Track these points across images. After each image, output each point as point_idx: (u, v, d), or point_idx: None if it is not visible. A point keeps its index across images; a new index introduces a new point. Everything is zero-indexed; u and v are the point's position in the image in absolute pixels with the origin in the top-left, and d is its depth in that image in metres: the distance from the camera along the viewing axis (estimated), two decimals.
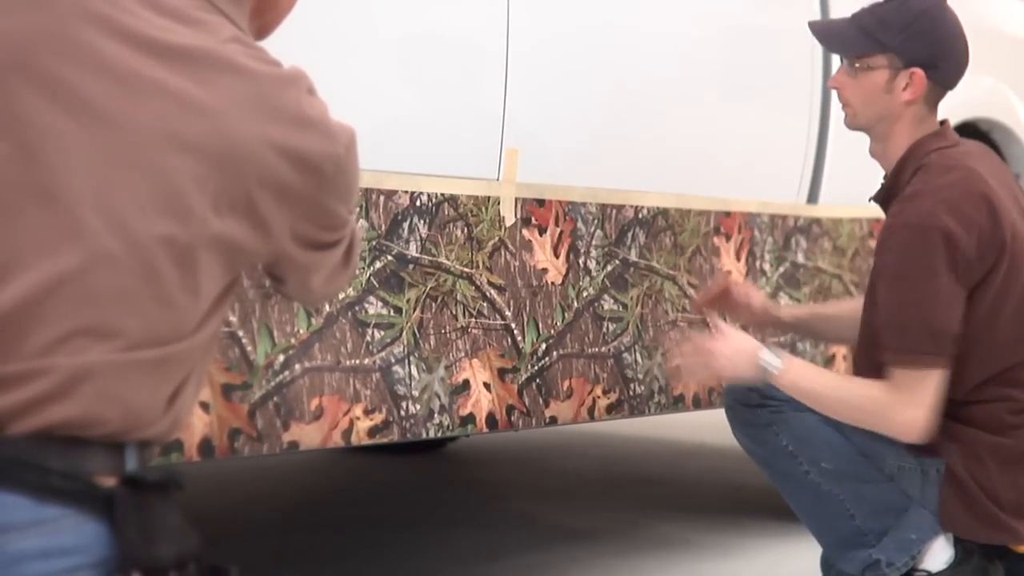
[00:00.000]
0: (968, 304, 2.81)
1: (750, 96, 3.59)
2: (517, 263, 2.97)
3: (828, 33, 3.05)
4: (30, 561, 1.44)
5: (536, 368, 3.00)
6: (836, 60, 3.77)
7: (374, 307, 2.69)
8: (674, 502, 4.49)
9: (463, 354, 2.86)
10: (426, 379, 2.78)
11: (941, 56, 2.88)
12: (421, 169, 2.80)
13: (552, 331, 3.04)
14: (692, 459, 5.37)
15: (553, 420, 3.06)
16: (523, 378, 2.98)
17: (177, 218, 1.52)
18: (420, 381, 2.77)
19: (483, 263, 2.90)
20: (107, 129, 1.51)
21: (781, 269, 3.65)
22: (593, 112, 3.15)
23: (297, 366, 2.55)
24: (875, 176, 3.99)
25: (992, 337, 2.86)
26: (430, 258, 2.79)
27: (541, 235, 3.02)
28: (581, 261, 3.11)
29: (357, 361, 2.66)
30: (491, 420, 2.91)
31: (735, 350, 2.88)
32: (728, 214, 3.51)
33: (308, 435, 2.58)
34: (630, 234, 3.23)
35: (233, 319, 2.45)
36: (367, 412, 2.68)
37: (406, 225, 2.75)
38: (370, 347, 2.68)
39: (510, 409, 2.95)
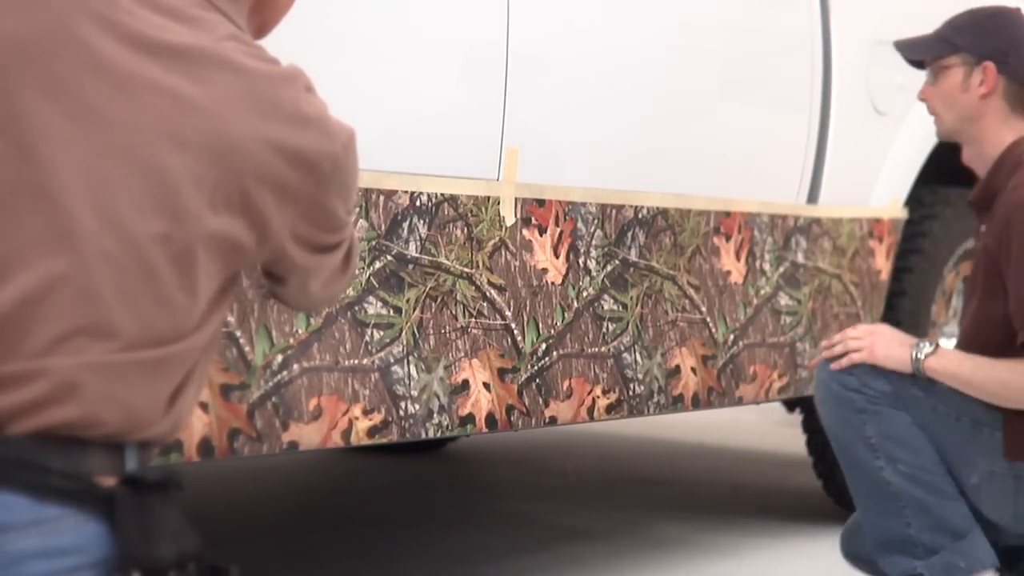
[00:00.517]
0: None
1: (750, 96, 3.59)
2: (517, 263, 2.97)
3: (909, 45, 3.16)
4: (30, 561, 1.43)
5: (536, 368, 3.00)
6: (836, 60, 3.77)
7: (373, 307, 2.69)
8: (674, 502, 4.49)
9: (463, 354, 2.86)
10: (425, 379, 2.78)
11: (1011, 49, 2.98)
12: (421, 169, 2.79)
13: (552, 331, 3.04)
14: (691, 459, 5.37)
15: (553, 420, 3.06)
16: (523, 378, 2.98)
17: (173, 217, 1.52)
18: (419, 381, 2.77)
19: (483, 263, 2.90)
20: (103, 128, 1.51)
21: (781, 269, 3.65)
22: (593, 112, 3.15)
23: (295, 366, 2.55)
24: (875, 176, 4.00)
25: None
26: (430, 258, 2.79)
27: (541, 235, 3.02)
28: (581, 261, 3.11)
29: (356, 361, 2.66)
30: (491, 420, 2.91)
31: (892, 334, 3.00)
32: (728, 214, 3.51)
33: (307, 435, 2.57)
34: (630, 234, 3.23)
35: (231, 319, 2.45)
36: (366, 412, 2.67)
37: (406, 225, 2.75)
38: (369, 347, 2.68)
39: (510, 409, 2.95)
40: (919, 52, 3.11)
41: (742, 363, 3.54)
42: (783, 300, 3.65)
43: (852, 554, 3.13)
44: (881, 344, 2.97)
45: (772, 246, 3.61)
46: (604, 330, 3.16)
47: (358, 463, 5.00)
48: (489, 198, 2.91)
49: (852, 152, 3.86)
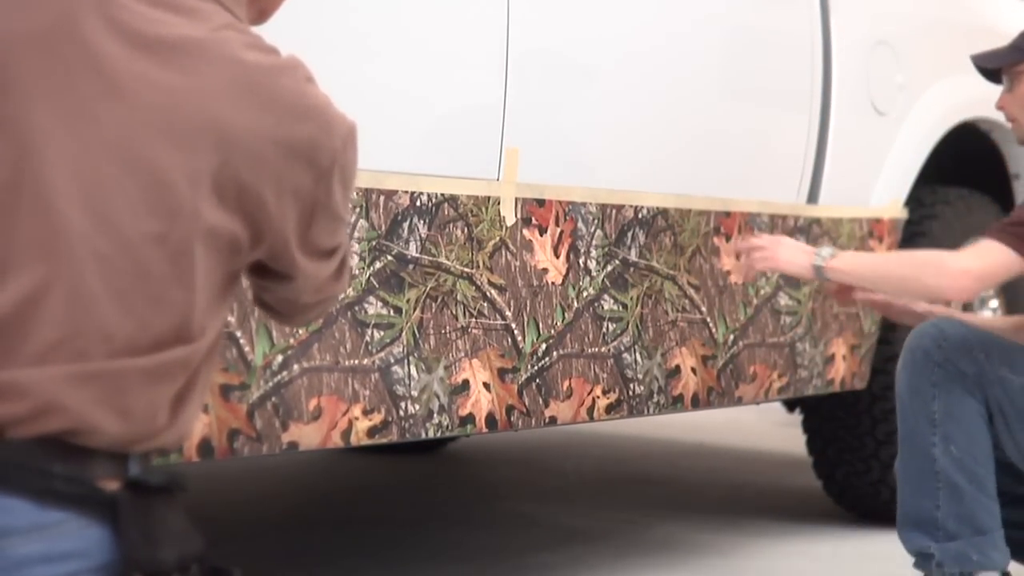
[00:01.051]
0: None
1: (750, 96, 3.59)
2: (517, 263, 2.97)
3: (985, 56, 3.22)
4: (32, 565, 1.42)
5: (536, 368, 3.00)
6: (836, 60, 3.77)
7: (374, 307, 2.69)
8: (674, 502, 4.49)
9: (463, 354, 2.86)
10: (425, 379, 2.78)
11: None
12: (421, 169, 2.79)
13: (552, 331, 3.04)
14: (692, 459, 5.37)
15: (553, 420, 3.06)
16: (523, 378, 2.98)
17: (169, 215, 1.50)
18: (419, 381, 2.77)
19: (483, 263, 2.90)
20: (95, 128, 1.50)
21: None
22: (593, 112, 3.15)
23: (296, 366, 2.55)
24: (875, 176, 4.00)
25: None
26: (430, 258, 2.79)
27: (541, 235, 3.02)
28: (581, 261, 3.11)
29: (356, 361, 2.66)
30: (490, 420, 2.91)
31: (795, 244, 3.12)
32: (728, 214, 3.51)
33: (307, 435, 2.57)
34: (630, 234, 3.23)
35: (231, 319, 2.44)
36: (366, 412, 2.67)
37: (406, 225, 2.75)
38: (369, 347, 2.68)
39: (510, 409, 2.95)
40: (994, 61, 3.18)
41: (742, 363, 3.55)
42: (783, 300, 3.65)
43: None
44: (784, 252, 3.09)
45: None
46: (604, 330, 3.16)
47: (358, 463, 5.00)
48: (489, 198, 2.91)
49: (852, 152, 3.86)
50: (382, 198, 2.70)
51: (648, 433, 5.84)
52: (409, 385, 2.75)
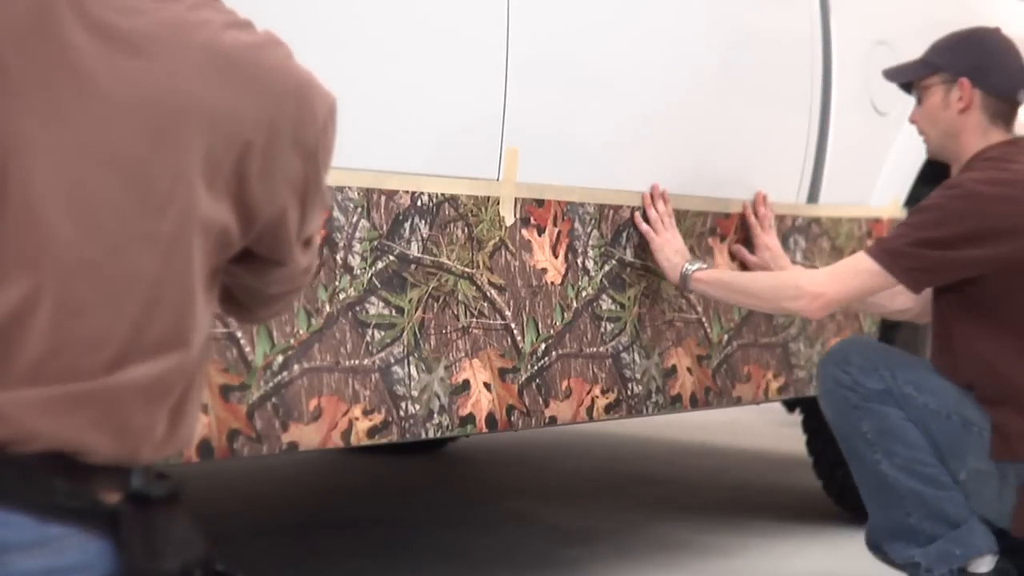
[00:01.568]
0: None
1: (750, 96, 3.59)
2: (517, 263, 2.97)
3: (895, 71, 3.32)
4: None
5: (536, 368, 3.00)
6: (836, 60, 3.77)
7: (375, 307, 2.69)
8: (674, 502, 4.49)
9: (463, 354, 2.86)
10: (426, 379, 2.78)
11: (987, 65, 3.16)
12: (422, 169, 2.80)
13: (551, 331, 3.04)
14: (692, 459, 5.37)
15: (553, 420, 3.06)
16: (523, 378, 2.98)
17: (157, 211, 1.46)
18: (420, 381, 2.77)
19: (484, 263, 2.90)
20: (74, 130, 1.45)
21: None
22: (593, 112, 3.15)
23: (296, 367, 2.55)
24: (875, 176, 4.00)
25: None
26: (432, 258, 2.79)
27: (540, 235, 3.02)
28: (579, 261, 3.11)
29: (356, 361, 2.66)
30: (491, 420, 2.91)
31: (679, 247, 3.23)
32: (727, 215, 3.51)
33: (307, 436, 2.57)
34: (625, 234, 3.23)
35: (231, 319, 2.44)
36: (366, 412, 2.67)
37: (407, 225, 2.75)
38: (370, 347, 2.68)
39: (510, 409, 2.95)
40: (903, 76, 3.28)
41: (736, 363, 3.55)
42: None
43: (874, 545, 3.22)
44: (668, 249, 3.21)
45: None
46: (603, 330, 3.16)
47: (358, 463, 5.00)
48: (489, 198, 2.91)
49: (852, 152, 3.86)
50: (383, 198, 2.70)
51: (648, 433, 5.84)
52: (409, 385, 2.75)
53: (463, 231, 2.86)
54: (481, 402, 2.89)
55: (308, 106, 1.58)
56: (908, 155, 4.01)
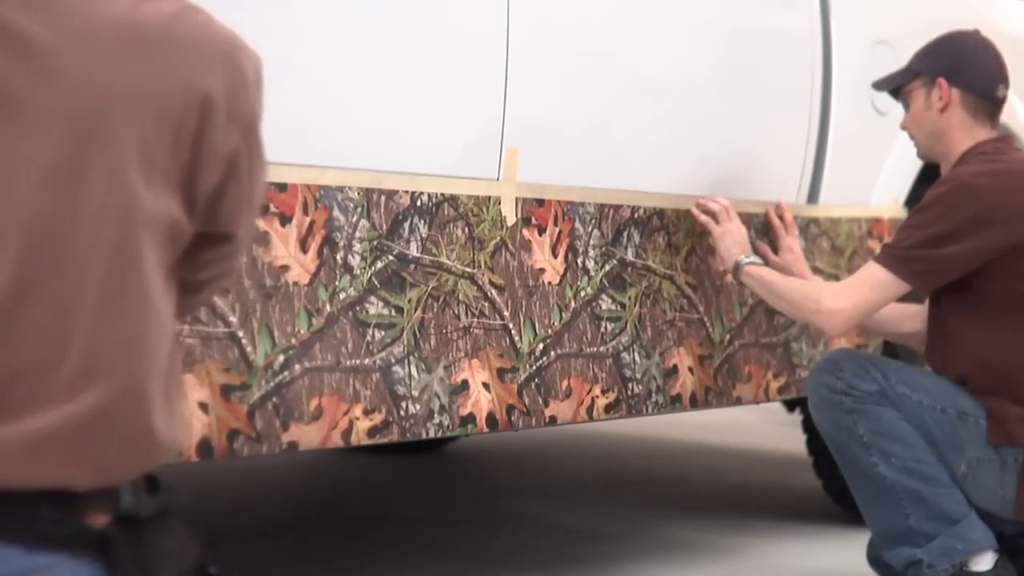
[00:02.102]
0: None
1: (750, 96, 3.59)
2: (516, 263, 2.97)
3: (882, 81, 3.41)
4: None
5: (534, 368, 3.00)
6: (836, 60, 3.77)
7: (375, 307, 2.69)
8: (674, 502, 4.49)
9: (462, 354, 2.86)
10: (426, 379, 2.78)
11: (963, 65, 3.24)
12: (422, 169, 2.80)
13: (549, 331, 3.04)
14: (692, 459, 5.37)
15: (553, 420, 3.06)
16: (522, 378, 2.98)
17: (93, 219, 1.37)
18: (420, 381, 2.77)
19: (484, 263, 2.90)
20: (8, 142, 1.36)
21: None
22: (593, 112, 3.15)
23: (297, 366, 2.55)
24: (875, 176, 3.99)
25: None
26: (431, 258, 2.79)
27: (540, 235, 3.02)
28: (579, 261, 3.11)
29: (357, 361, 2.66)
30: (491, 420, 2.91)
31: (741, 239, 3.35)
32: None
33: (307, 435, 2.57)
34: (626, 234, 3.23)
35: (233, 319, 2.45)
36: (367, 412, 2.67)
37: (407, 225, 2.75)
38: (370, 347, 2.68)
39: (510, 409, 2.95)
40: (888, 84, 3.37)
41: (738, 363, 3.55)
42: None
43: (874, 559, 3.26)
44: (728, 239, 3.33)
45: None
46: (602, 330, 3.16)
47: (358, 463, 5.00)
48: (490, 198, 2.91)
49: (852, 152, 3.86)
50: (383, 198, 2.70)
51: (648, 433, 5.84)
52: (410, 385, 2.75)
53: (463, 231, 2.86)
54: (481, 402, 2.89)
55: (239, 74, 1.49)
56: (908, 155, 4.00)
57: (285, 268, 2.54)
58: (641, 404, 3.27)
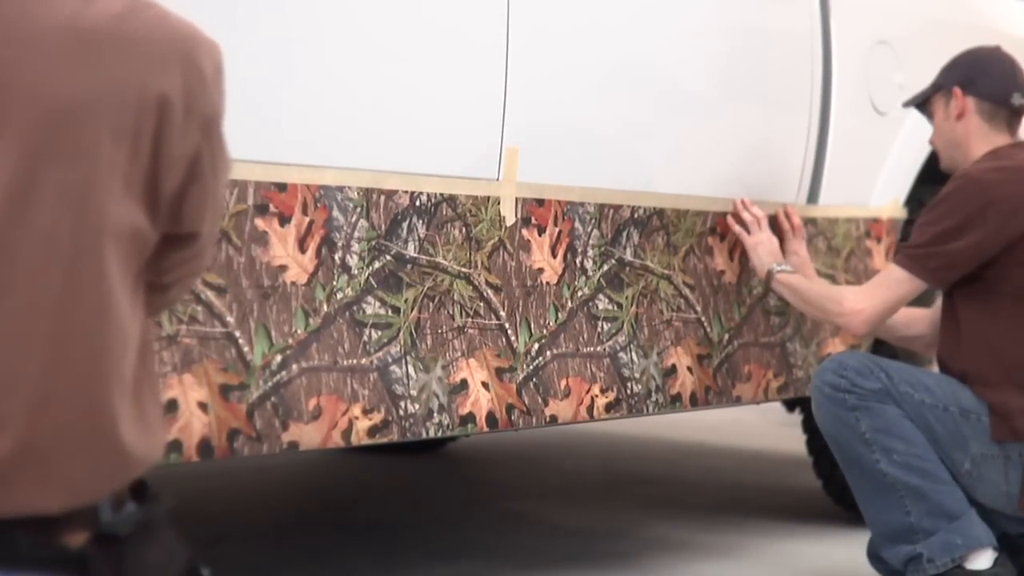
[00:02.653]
0: None
1: (750, 96, 3.59)
2: (514, 263, 2.97)
3: (912, 98, 3.50)
4: None
5: (531, 368, 3.00)
6: (836, 60, 3.77)
7: (372, 307, 2.69)
8: (674, 502, 4.49)
9: (460, 354, 2.86)
10: (424, 379, 2.78)
11: (977, 73, 3.34)
12: (421, 169, 2.80)
13: (544, 331, 3.04)
14: (692, 459, 5.37)
15: (553, 419, 3.06)
16: (520, 377, 2.98)
17: (44, 236, 1.32)
18: (418, 381, 2.77)
19: (482, 263, 2.90)
20: None
21: None
22: (593, 112, 3.15)
23: (294, 366, 2.55)
24: (875, 176, 3.99)
25: None
26: (428, 258, 2.79)
27: (540, 235, 3.02)
28: (578, 261, 3.11)
29: (354, 361, 2.66)
30: (491, 419, 2.91)
31: (773, 248, 3.49)
32: (726, 215, 3.51)
33: (308, 435, 2.57)
34: (625, 233, 3.23)
35: (230, 319, 2.45)
36: (366, 412, 2.67)
37: (406, 225, 2.75)
38: (367, 347, 2.68)
39: (510, 408, 2.95)
40: (916, 100, 3.47)
41: (737, 362, 3.55)
42: (772, 300, 3.66)
43: (874, 556, 3.27)
44: (761, 249, 3.47)
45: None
46: (599, 329, 3.16)
47: (358, 463, 5.00)
48: (488, 198, 2.91)
49: (852, 152, 3.86)
50: (382, 198, 2.70)
51: (648, 433, 5.84)
52: (408, 384, 2.75)
53: (460, 231, 2.86)
54: (480, 401, 2.89)
55: (196, 70, 1.42)
56: (908, 155, 4.01)
57: (283, 268, 2.54)
58: (641, 403, 3.27)
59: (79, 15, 1.34)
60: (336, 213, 2.63)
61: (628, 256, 3.24)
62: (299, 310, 2.56)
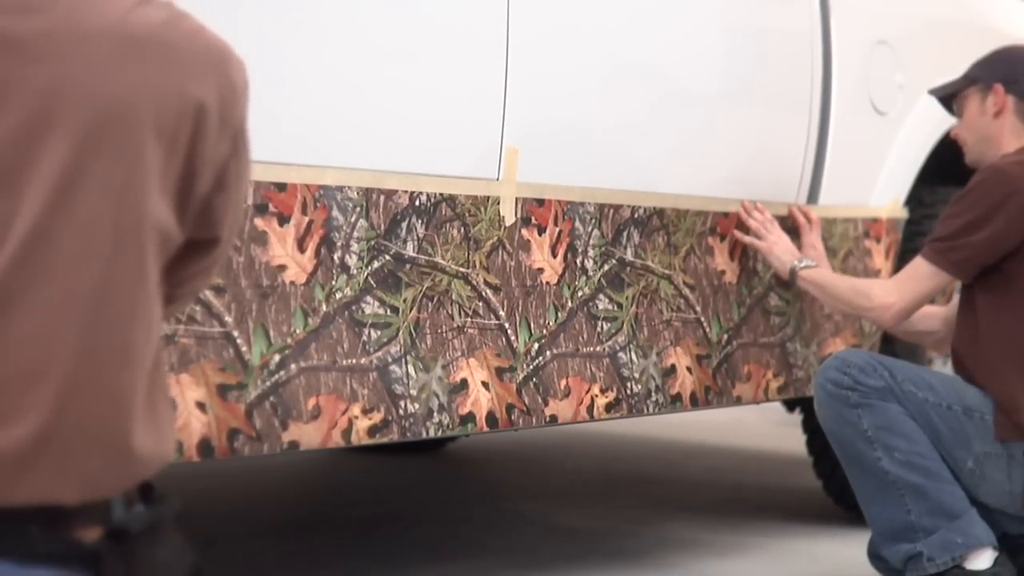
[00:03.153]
0: None
1: (750, 96, 3.59)
2: (513, 263, 2.97)
3: (939, 87, 3.51)
4: None
5: (531, 367, 3.00)
6: (836, 60, 3.77)
7: (371, 307, 2.69)
8: (674, 502, 4.49)
9: (459, 353, 2.86)
10: (424, 378, 2.78)
11: (1019, 73, 3.34)
12: (421, 169, 2.80)
13: (544, 331, 3.04)
14: (692, 459, 5.37)
15: (553, 419, 3.06)
16: (520, 377, 2.98)
17: (83, 229, 1.35)
18: (417, 380, 2.77)
19: (480, 263, 2.90)
20: (10, 147, 1.33)
21: (772, 269, 3.64)
22: (593, 112, 3.15)
23: (293, 366, 2.55)
24: (875, 176, 3.99)
25: None
26: (426, 258, 2.79)
27: (540, 235, 3.02)
28: (578, 261, 3.11)
29: (354, 360, 2.66)
30: (491, 419, 2.91)
31: (789, 246, 3.53)
32: (727, 214, 3.51)
33: (308, 435, 2.57)
34: (626, 233, 3.23)
35: (229, 319, 2.45)
36: (365, 411, 2.67)
37: (404, 225, 2.75)
38: (367, 347, 2.68)
39: (510, 408, 2.95)
40: (946, 90, 3.47)
41: (736, 363, 3.55)
42: (773, 300, 3.66)
43: (874, 555, 3.27)
44: (777, 250, 3.49)
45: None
46: (599, 329, 3.16)
47: (358, 463, 5.00)
48: (489, 198, 2.91)
49: (852, 152, 3.86)
50: (382, 198, 2.70)
51: (648, 433, 5.84)
52: (408, 384, 2.75)
53: (459, 231, 2.86)
54: (480, 401, 2.89)
55: (229, 82, 1.46)
56: (908, 155, 4.01)
57: (282, 268, 2.54)
58: (641, 403, 3.27)
59: (126, 20, 1.38)
60: (335, 213, 2.63)
61: (629, 256, 3.24)
62: (298, 310, 2.56)
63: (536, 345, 3.02)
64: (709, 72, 3.46)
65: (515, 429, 3.02)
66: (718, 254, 3.49)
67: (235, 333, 2.46)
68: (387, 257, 2.72)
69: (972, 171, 3.37)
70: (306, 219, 2.58)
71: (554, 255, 3.06)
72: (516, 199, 2.97)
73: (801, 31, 3.69)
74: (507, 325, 2.95)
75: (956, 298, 3.43)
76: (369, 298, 2.69)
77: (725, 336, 3.51)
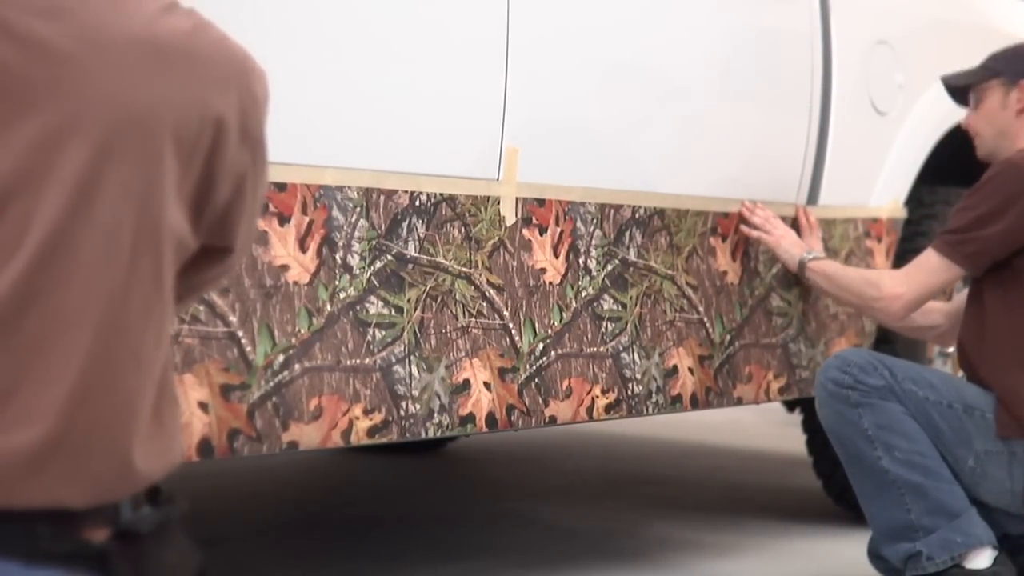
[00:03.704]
0: None
1: (750, 96, 3.59)
2: (515, 263, 2.97)
3: (957, 75, 3.49)
4: None
5: (534, 368, 3.00)
6: (836, 60, 3.77)
7: (375, 307, 2.69)
8: (674, 502, 4.49)
9: (463, 354, 2.86)
10: (426, 379, 2.78)
11: None
12: (421, 169, 2.80)
13: (549, 331, 3.04)
14: (692, 459, 5.37)
15: (553, 420, 3.06)
16: (522, 377, 2.98)
17: (104, 233, 1.34)
18: (420, 381, 2.77)
19: (482, 263, 2.90)
20: (34, 150, 1.33)
21: (774, 270, 3.65)
22: (593, 112, 3.15)
23: (297, 366, 2.55)
24: (875, 176, 3.99)
25: None
26: (428, 258, 2.79)
27: (541, 235, 3.02)
28: (581, 261, 3.11)
29: (357, 361, 2.66)
30: (491, 420, 2.91)
31: (796, 239, 3.57)
32: (727, 215, 3.51)
33: (307, 435, 2.57)
34: (627, 234, 3.23)
35: (233, 319, 2.45)
36: (366, 412, 2.67)
37: (405, 225, 2.75)
38: (371, 347, 2.68)
39: (510, 408, 2.95)
40: (964, 79, 3.44)
41: (738, 363, 3.55)
42: (774, 301, 3.66)
43: (874, 554, 3.27)
44: (785, 243, 3.52)
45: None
46: (603, 330, 3.16)
47: (358, 463, 5.00)
48: (489, 198, 2.91)
49: (852, 152, 3.86)
50: (382, 198, 2.70)
51: (648, 433, 5.84)
52: (410, 384, 2.75)
53: (462, 231, 2.86)
54: (481, 401, 2.89)
55: (250, 93, 1.46)
56: (908, 155, 4.01)
57: (285, 268, 2.54)
58: (641, 404, 3.27)
59: (152, 27, 1.38)
60: (336, 213, 2.63)
61: (632, 256, 3.24)
62: (302, 310, 2.56)
63: (540, 345, 3.01)
64: (709, 72, 3.46)
65: (514, 430, 3.02)
66: (720, 255, 3.49)
67: (239, 333, 2.46)
68: (389, 257, 2.72)
69: (972, 171, 3.36)
70: (306, 219, 2.58)
71: (556, 255, 3.06)
72: (516, 199, 2.97)
73: (801, 31, 3.70)
74: (511, 325, 2.95)
75: (956, 296, 3.43)
76: (373, 298, 2.69)
77: (728, 337, 3.51)
